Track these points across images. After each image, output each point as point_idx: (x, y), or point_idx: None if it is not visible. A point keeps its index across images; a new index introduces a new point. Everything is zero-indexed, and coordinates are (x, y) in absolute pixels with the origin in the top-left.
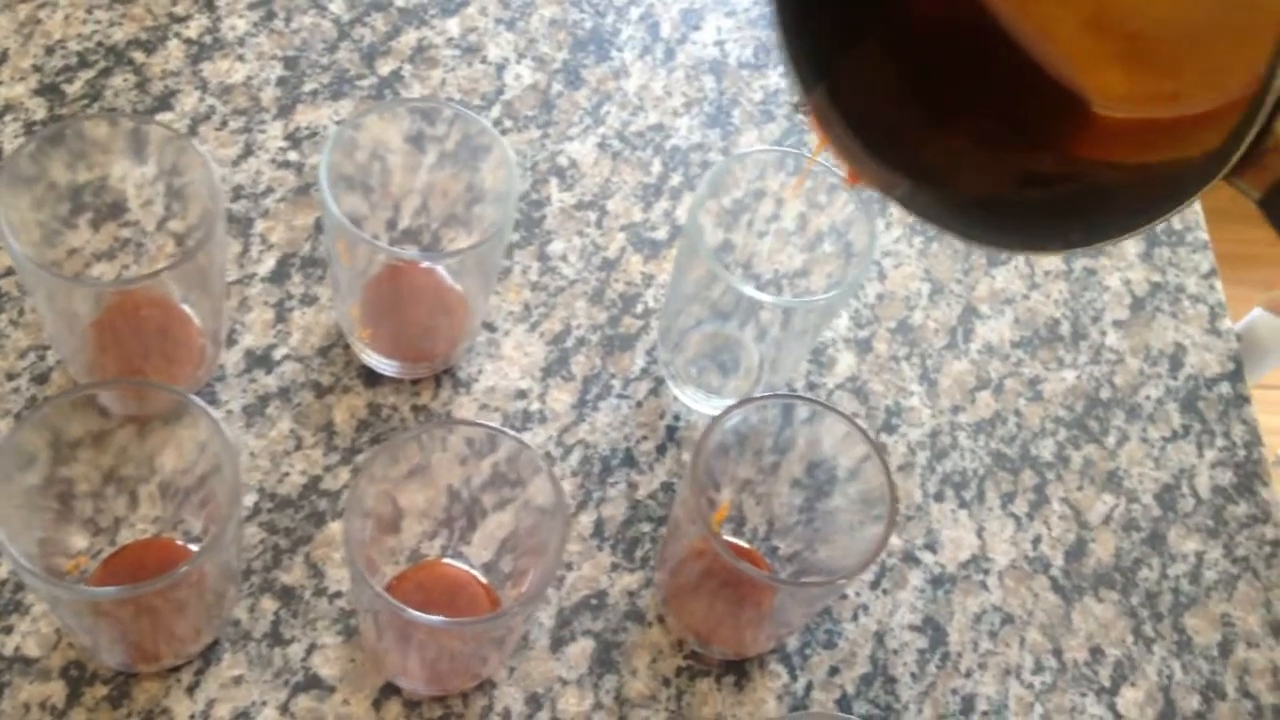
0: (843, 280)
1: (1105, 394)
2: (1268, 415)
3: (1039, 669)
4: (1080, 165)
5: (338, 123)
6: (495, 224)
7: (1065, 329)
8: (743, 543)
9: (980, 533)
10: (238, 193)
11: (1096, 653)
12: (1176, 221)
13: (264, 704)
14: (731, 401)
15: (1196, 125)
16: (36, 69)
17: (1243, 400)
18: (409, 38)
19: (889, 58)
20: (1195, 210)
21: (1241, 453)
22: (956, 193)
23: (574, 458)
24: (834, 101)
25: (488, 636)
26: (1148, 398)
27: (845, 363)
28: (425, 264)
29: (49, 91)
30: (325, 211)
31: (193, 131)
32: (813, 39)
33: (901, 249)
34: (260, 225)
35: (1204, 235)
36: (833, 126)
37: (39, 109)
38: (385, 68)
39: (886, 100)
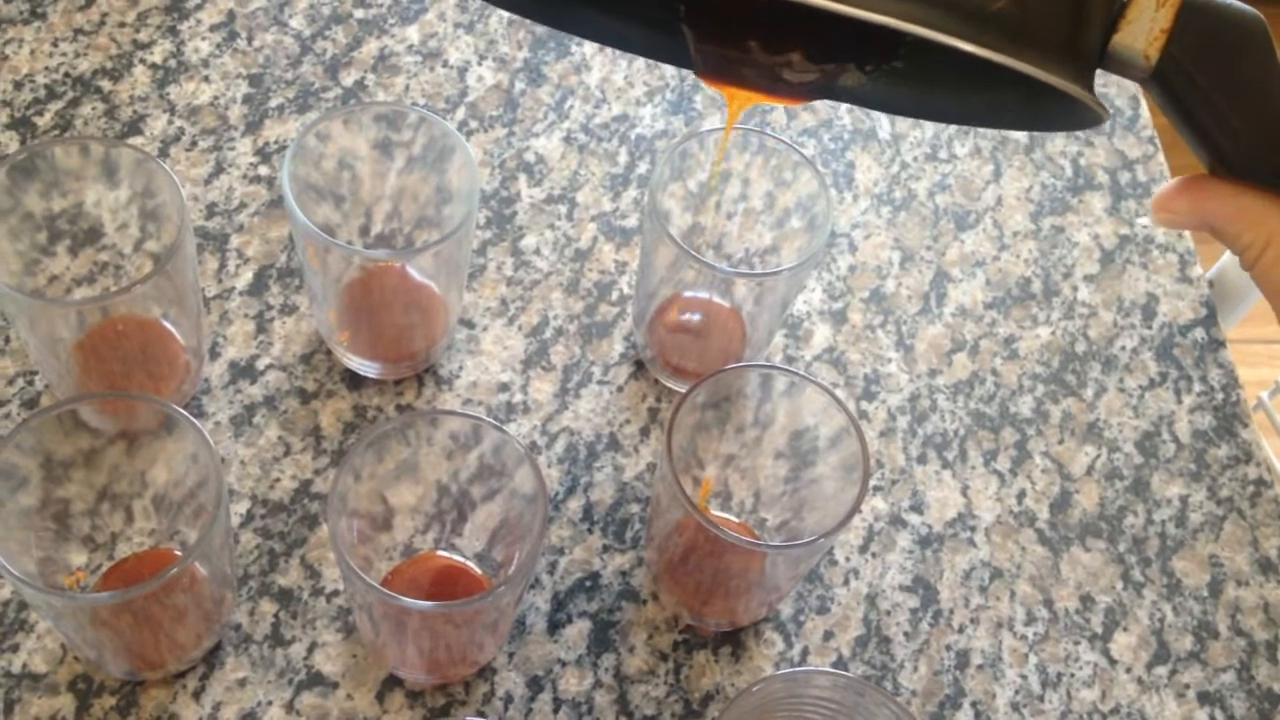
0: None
1: (1080, 348)
2: (1246, 369)
3: (1031, 620)
4: None
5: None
6: (462, 221)
7: (1037, 287)
8: (731, 517)
9: (965, 491)
10: (211, 210)
11: (1087, 600)
12: (1142, 174)
13: (269, 703)
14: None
15: None
16: (6, 104)
17: (1218, 344)
18: (370, 47)
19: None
20: (1161, 163)
21: (1220, 396)
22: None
23: (559, 445)
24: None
25: (479, 620)
26: (1123, 348)
27: (821, 335)
28: (397, 264)
29: (20, 125)
30: (291, 217)
31: (164, 153)
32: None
33: (870, 220)
34: (236, 240)
35: None
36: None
37: (11, 143)
38: (349, 78)
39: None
